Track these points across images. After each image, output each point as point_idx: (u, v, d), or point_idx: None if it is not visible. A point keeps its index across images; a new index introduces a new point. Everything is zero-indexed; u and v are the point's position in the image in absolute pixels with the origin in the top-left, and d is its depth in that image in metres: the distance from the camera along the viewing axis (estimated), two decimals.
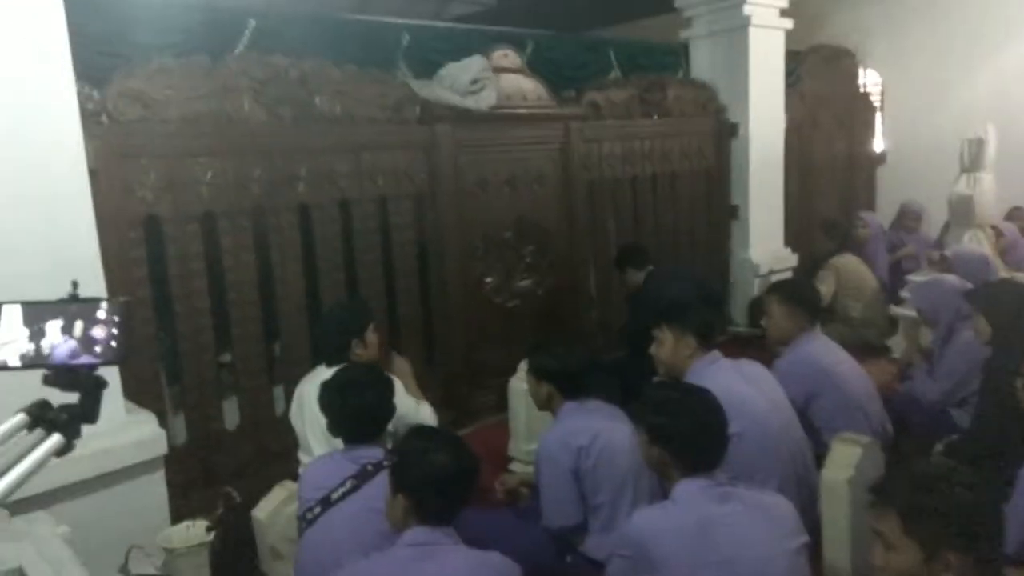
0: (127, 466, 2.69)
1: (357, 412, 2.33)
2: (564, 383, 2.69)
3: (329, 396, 2.38)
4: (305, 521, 2.25)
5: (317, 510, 2.22)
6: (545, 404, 2.76)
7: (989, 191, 4.62)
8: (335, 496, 2.19)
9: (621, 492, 2.52)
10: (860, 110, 6.80)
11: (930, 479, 1.47)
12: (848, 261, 5.23)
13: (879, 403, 3.20)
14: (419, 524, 1.85)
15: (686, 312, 2.89)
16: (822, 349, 3.14)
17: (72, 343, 1.10)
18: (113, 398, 2.66)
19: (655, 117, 5.12)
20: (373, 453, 2.27)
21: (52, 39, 2.49)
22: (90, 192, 2.63)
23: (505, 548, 2.51)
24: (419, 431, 2.12)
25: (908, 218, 6.16)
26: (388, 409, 2.43)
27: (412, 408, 2.89)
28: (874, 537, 1.52)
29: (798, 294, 3.19)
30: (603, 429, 2.56)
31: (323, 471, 2.29)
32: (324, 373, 2.78)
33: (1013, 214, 5.62)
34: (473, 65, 3.96)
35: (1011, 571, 1.68)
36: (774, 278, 5.52)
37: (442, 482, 1.85)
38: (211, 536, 2.74)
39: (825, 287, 5.04)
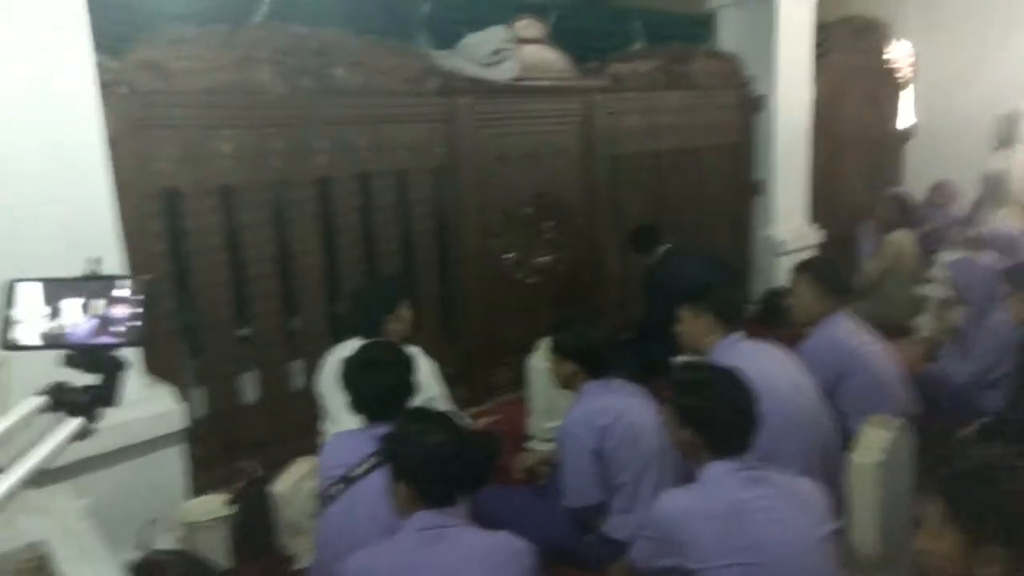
0: (147, 439, 2.70)
1: (378, 390, 2.31)
2: (587, 362, 2.64)
3: (350, 373, 2.36)
4: (327, 498, 2.24)
5: (340, 487, 2.20)
6: (568, 382, 2.72)
7: (1022, 166, 4.49)
8: (356, 473, 2.17)
9: (643, 472, 2.49)
10: (890, 83, 6.62)
11: (983, 469, 1.42)
12: (905, 239, 5.09)
13: (908, 384, 3.13)
14: (425, 508, 1.83)
15: (706, 292, 2.83)
16: (850, 330, 3.07)
17: (93, 322, 1.06)
18: (134, 372, 2.66)
19: (680, 90, 5.00)
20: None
21: (70, 8, 2.44)
22: (109, 164, 2.60)
23: (524, 527, 2.49)
24: (413, 415, 2.07)
25: (937, 194, 6.00)
26: (409, 387, 2.40)
27: (441, 388, 2.87)
28: (918, 521, 1.48)
29: (829, 275, 3.11)
30: (626, 409, 2.52)
31: (345, 448, 2.27)
32: (358, 345, 2.76)
33: None
34: (495, 35, 3.87)
35: None
36: (797, 256, 5.44)
37: (441, 464, 1.83)
38: (231, 510, 2.75)
39: (876, 263, 4.92)
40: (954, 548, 1.40)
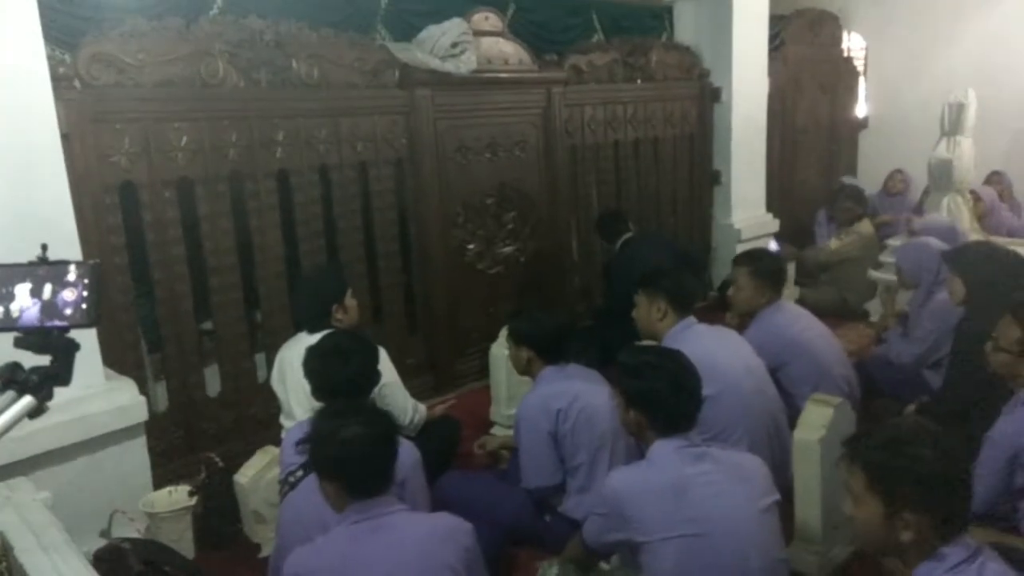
0: (108, 432, 2.71)
1: (342, 378, 2.34)
2: (543, 348, 2.71)
3: (314, 362, 2.38)
4: (287, 484, 2.27)
5: (299, 474, 2.24)
6: (525, 369, 2.79)
7: (968, 155, 4.64)
8: None
9: (599, 454, 2.57)
10: (844, 75, 6.78)
11: (895, 438, 1.50)
12: (867, 229, 5.26)
13: (848, 366, 3.26)
14: (355, 501, 1.80)
15: (659, 278, 2.92)
16: (789, 318, 3.19)
17: (41, 305, 1.10)
18: (92, 365, 2.67)
19: (638, 81, 5.09)
20: None
21: (20, 2, 2.43)
22: (63, 158, 2.60)
23: (485, 509, 2.58)
24: (325, 411, 1.98)
25: (892, 181, 6.20)
26: (373, 375, 2.44)
27: (395, 377, 2.91)
28: (846, 490, 1.57)
29: (767, 266, 3.23)
30: (581, 392, 2.60)
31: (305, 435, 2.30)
32: (306, 339, 2.79)
33: (992, 179, 5.67)
34: (453, 28, 3.90)
35: (976, 531, 1.72)
36: (755, 244, 5.57)
37: (361, 457, 1.78)
38: (194, 500, 2.78)
39: (837, 245, 5.14)
40: (874, 515, 1.49)
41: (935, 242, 3.64)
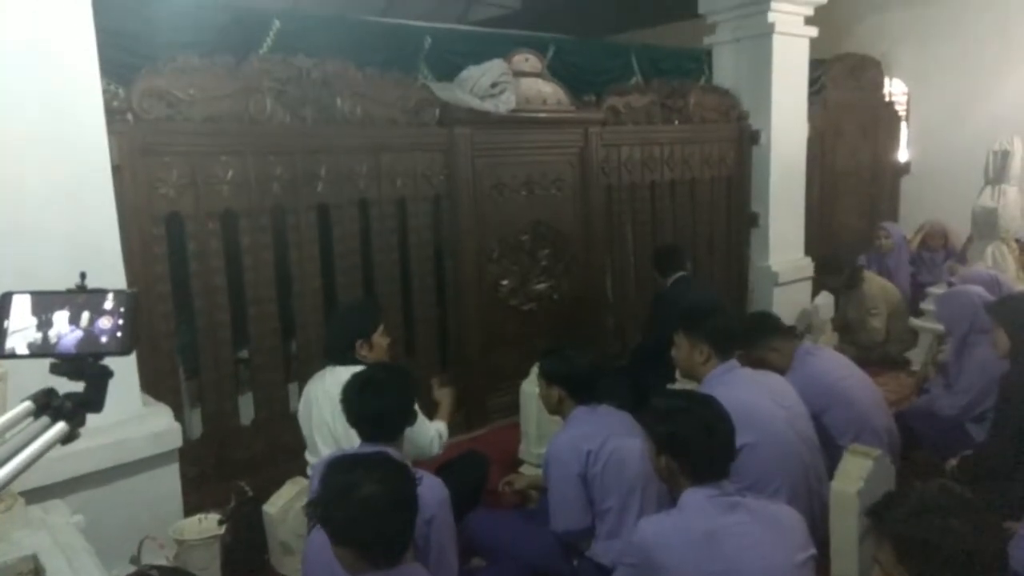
0: (142, 458, 2.74)
1: (375, 411, 2.33)
2: (574, 387, 2.69)
3: (349, 393, 2.37)
4: (314, 518, 2.27)
5: None
6: (556, 408, 2.77)
7: (1014, 204, 4.56)
8: None
9: (629, 498, 2.52)
10: (885, 120, 6.73)
11: (925, 509, 1.44)
12: (872, 282, 5.17)
13: (888, 416, 3.17)
14: (371, 570, 1.68)
15: (704, 320, 2.89)
16: (828, 364, 3.14)
17: (78, 333, 1.12)
18: (130, 390, 2.72)
19: (676, 123, 5.10)
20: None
21: (78, 37, 2.55)
22: (112, 188, 2.68)
23: (513, 550, 2.54)
24: (336, 462, 1.82)
25: (933, 238, 6.08)
26: (408, 410, 2.40)
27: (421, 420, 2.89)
28: (874, 560, 1.51)
29: (771, 327, 3.24)
30: (613, 434, 2.56)
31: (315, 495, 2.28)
32: (331, 373, 2.81)
33: None
34: (493, 68, 3.97)
35: None
36: (793, 287, 5.50)
37: (379, 520, 1.64)
38: (223, 529, 2.78)
39: (878, 321, 5.02)
40: None
41: (976, 290, 3.56)
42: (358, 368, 2.79)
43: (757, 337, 3.21)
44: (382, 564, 1.68)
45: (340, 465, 1.80)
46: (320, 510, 1.71)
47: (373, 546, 1.67)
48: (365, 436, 2.36)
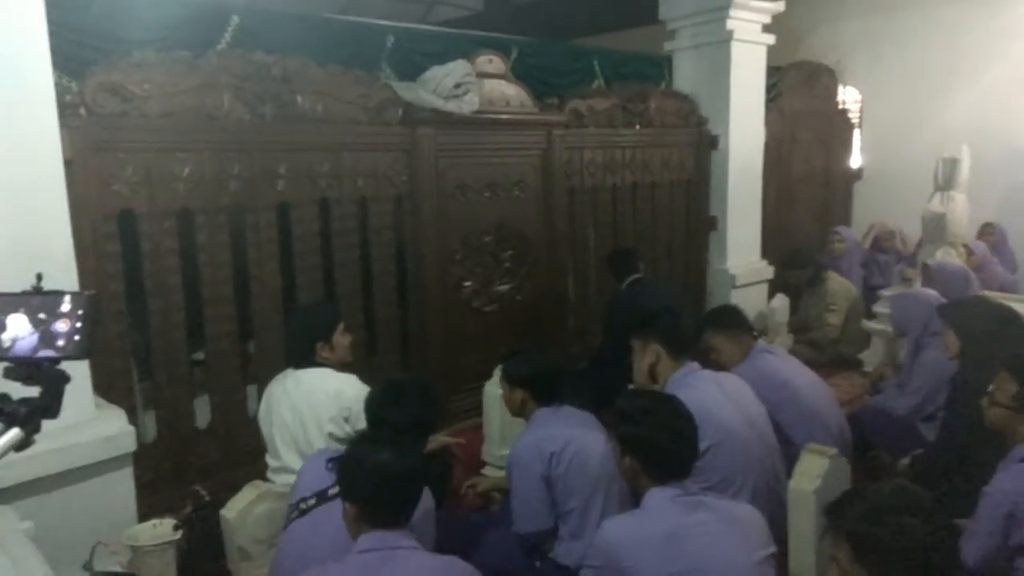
0: (94, 462, 2.66)
1: (395, 420, 2.35)
2: (537, 389, 2.70)
3: (371, 402, 2.43)
4: (297, 510, 2.24)
5: (312, 502, 2.21)
6: (519, 410, 2.77)
7: (961, 210, 4.71)
8: (332, 491, 2.17)
9: (592, 499, 2.53)
10: (839, 126, 6.90)
11: (880, 509, 1.47)
12: (834, 279, 5.30)
13: (841, 415, 3.25)
14: (371, 530, 1.82)
15: (652, 323, 2.92)
16: (780, 361, 3.21)
17: (34, 336, 1.09)
18: (82, 393, 2.64)
19: (637, 127, 5.15)
20: None
21: (30, 30, 2.46)
22: (64, 184, 2.60)
23: (476, 552, 2.53)
24: (365, 436, 2.05)
25: (884, 239, 6.26)
26: (425, 423, 2.47)
27: None
28: (831, 558, 1.54)
29: (735, 320, 3.27)
30: (575, 436, 2.57)
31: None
32: (293, 376, 2.78)
33: (984, 231, 5.73)
34: (457, 69, 3.96)
35: None
36: (750, 289, 5.60)
37: (384, 483, 1.82)
38: (178, 534, 2.72)
39: (838, 320, 5.14)
40: None
41: (928, 293, 3.66)
42: (320, 370, 2.78)
43: (714, 324, 3.27)
44: (379, 524, 1.81)
45: (366, 436, 2.03)
46: (340, 466, 1.91)
47: (376, 506, 1.82)
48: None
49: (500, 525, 2.73)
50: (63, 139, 2.61)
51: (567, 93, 4.80)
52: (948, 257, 4.63)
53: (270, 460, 2.83)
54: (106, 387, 2.91)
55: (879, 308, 4.94)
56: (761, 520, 2.01)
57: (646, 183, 5.29)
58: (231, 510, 2.75)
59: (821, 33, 6.84)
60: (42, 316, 1.09)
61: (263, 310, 3.51)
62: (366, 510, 1.83)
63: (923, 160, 5.08)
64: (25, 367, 1.09)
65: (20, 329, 1.09)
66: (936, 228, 4.71)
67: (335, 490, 2.15)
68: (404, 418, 2.35)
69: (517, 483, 2.59)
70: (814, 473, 2.41)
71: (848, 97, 7.01)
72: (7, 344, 1.08)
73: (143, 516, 2.83)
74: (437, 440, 3.18)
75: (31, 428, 1.08)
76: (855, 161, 7.06)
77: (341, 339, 2.89)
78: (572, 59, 5.17)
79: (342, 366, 2.85)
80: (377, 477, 1.81)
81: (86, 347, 1.10)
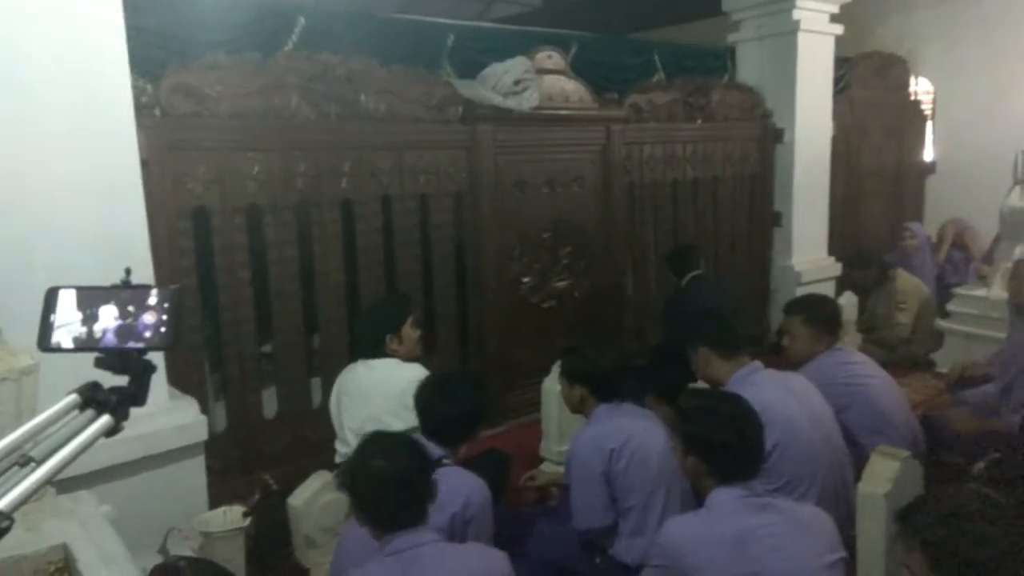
0: (169, 450, 2.77)
1: (441, 415, 2.37)
2: (597, 385, 2.69)
3: (421, 398, 2.42)
4: None
5: None
6: (578, 407, 2.77)
7: None
8: None
9: (652, 496, 2.51)
10: (910, 119, 6.65)
11: (959, 516, 1.41)
12: (903, 277, 5.12)
13: (912, 417, 3.13)
14: (389, 533, 1.80)
15: (702, 327, 2.89)
16: (848, 362, 3.10)
17: (123, 327, 1.14)
18: (157, 383, 2.68)
19: (699, 121, 5.07)
20: (434, 451, 2.23)
21: (109, 33, 2.56)
22: (141, 183, 2.71)
23: (534, 548, 2.54)
24: (367, 440, 1.97)
25: (962, 237, 6.02)
26: (471, 419, 2.45)
27: None
28: (903, 565, 1.49)
29: (821, 313, 3.16)
30: (635, 432, 2.55)
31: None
32: (364, 366, 2.83)
33: None
34: (516, 66, 3.97)
35: None
36: (816, 287, 5.45)
37: (384, 490, 1.79)
38: (247, 522, 2.80)
39: (906, 316, 4.97)
40: None
41: None
42: (392, 360, 2.82)
43: (801, 312, 3.18)
44: (392, 528, 1.80)
45: (368, 440, 1.95)
46: (345, 477, 1.89)
47: (381, 512, 1.81)
48: (440, 438, 2.38)
49: (559, 521, 2.73)
50: (140, 140, 2.72)
51: (627, 88, 4.76)
52: None
53: (339, 447, 2.89)
54: (180, 378, 3.02)
55: (953, 307, 4.76)
56: (830, 523, 1.96)
57: (708, 178, 5.20)
58: (298, 498, 2.83)
59: (892, 23, 6.60)
60: (131, 308, 1.14)
61: (327, 304, 3.59)
62: (372, 516, 1.83)
63: (1000, 153, 4.86)
64: (115, 357, 1.14)
65: (110, 320, 1.14)
66: (1015, 223, 4.50)
67: None
68: (452, 410, 2.36)
69: (576, 479, 2.59)
70: (885, 476, 2.33)
71: (920, 88, 6.76)
72: (98, 335, 1.13)
73: (214, 503, 2.92)
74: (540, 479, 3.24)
75: (121, 415, 1.13)
76: (928, 154, 6.80)
77: (410, 332, 2.94)
78: (632, 53, 5.11)
79: (409, 358, 2.90)
80: (373, 485, 1.80)
81: (172, 338, 1.15)
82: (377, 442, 1.91)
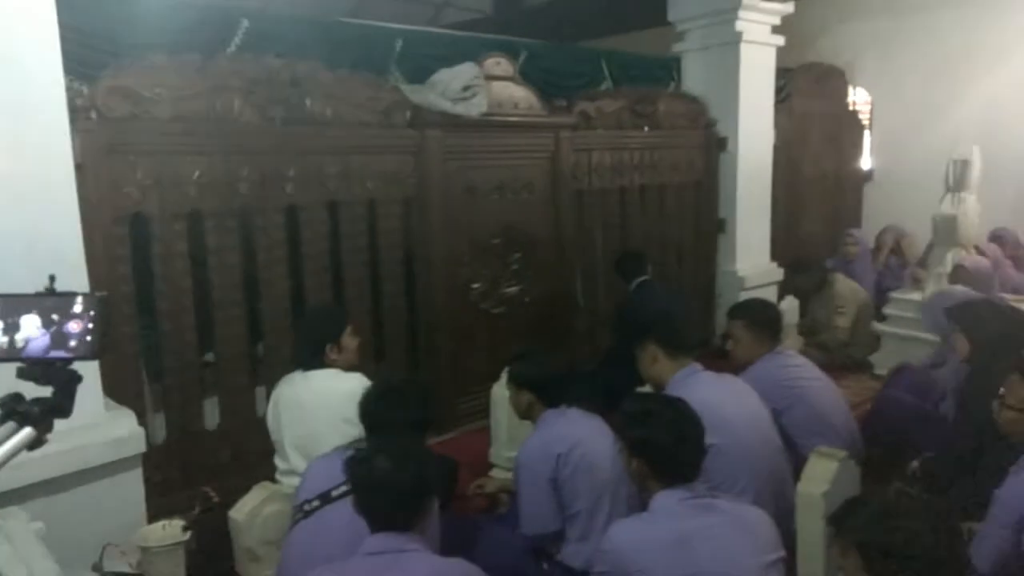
0: (104, 463, 2.68)
1: (389, 421, 2.33)
2: (544, 391, 2.70)
3: (368, 403, 2.39)
4: (301, 512, 2.25)
5: (315, 503, 2.22)
6: (526, 412, 2.78)
7: (972, 212, 4.67)
8: (336, 493, 2.18)
9: (599, 501, 2.53)
10: (849, 128, 6.86)
11: (889, 516, 1.46)
12: (842, 282, 5.26)
13: (850, 418, 3.22)
14: (374, 532, 1.84)
15: (654, 325, 2.93)
16: (788, 364, 3.18)
17: (47, 337, 1.10)
18: (92, 394, 2.66)
19: (645, 129, 5.14)
20: None
21: (41, 34, 2.48)
22: (75, 187, 2.62)
23: (482, 554, 2.53)
24: (378, 439, 2.09)
25: (900, 243, 6.23)
26: (425, 419, 2.44)
27: None
28: (839, 568, 1.53)
29: (763, 317, 3.24)
30: (583, 438, 2.57)
31: (333, 466, 2.26)
32: (299, 377, 2.79)
33: (996, 236, 5.68)
34: (465, 72, 3.97)
35: None
36: (759, 292, 5.57)
37: (380, 490, 1.84)
38: (187, 536, 2.73)
39: (847, 323, 5.09)
40: None
41: (958, 291, 3.61)
42: (330, 370, 2.78)
43: (742, 316, 3.25)
44: (380, 527, 1.83)
45: (379, 440, 2.07)
46: (349, 472, 1.93)
47: (372, 509, 1.85)
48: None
49: (507, 527, 2.73)
50: (74, 143, 2.63)
51: (575, 95, 4.80)
52: (958, 259, 4.60)
53: (278, 462, 2.84)
54: (116, 389, 2.92)
55: (890, 310, 4.92)
56: (770, 524, 2.00)
57: (655, 185, 5.28)
58: (240, 511, 2.77)
59: (831, 35, 6.80)
60: (55, 317, 1.11)
61: (272, 312, 3.53)
62: (366, 515, 1.86)
63: (934, 162, 5.03)
64: (38, 367, 1.11)
65: (33, 330, 1.10)
66: (947, 230, 4.67)
67: (339, 492, 2.16)
68: (398, 418, 2.32)
69: (524, 485, 2.60)
70: (823, 476, 2.40)
71: (858, 98, 6.98)
72: (20, 344, 1.10)
73: (152, 517, 2.84)
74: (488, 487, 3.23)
75: (44, 427, 1.09)
76: (865, 163, 7.03)
77: (350, 341, 2.89)
78: (580, 61, 5.17)
79: (349, 368, 2.86)
80: (371, 482, 1.84)
81: (98, 348, 1.12)
82: (389, 444, 1.97)
